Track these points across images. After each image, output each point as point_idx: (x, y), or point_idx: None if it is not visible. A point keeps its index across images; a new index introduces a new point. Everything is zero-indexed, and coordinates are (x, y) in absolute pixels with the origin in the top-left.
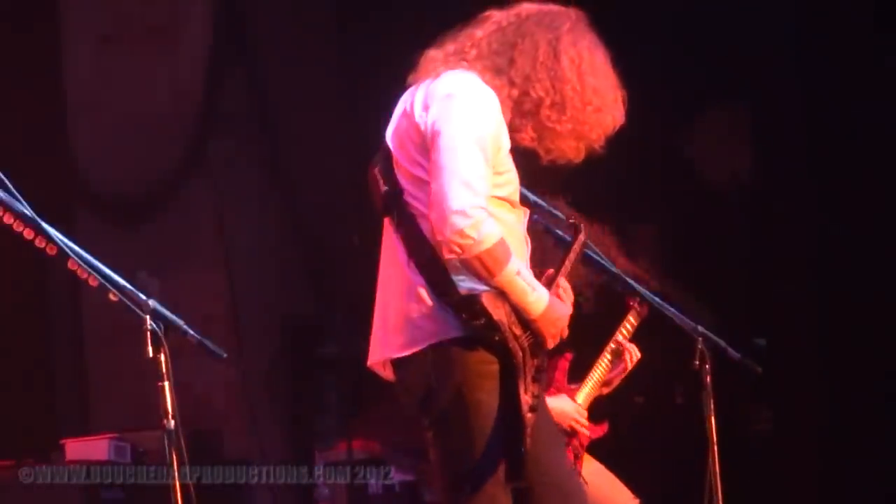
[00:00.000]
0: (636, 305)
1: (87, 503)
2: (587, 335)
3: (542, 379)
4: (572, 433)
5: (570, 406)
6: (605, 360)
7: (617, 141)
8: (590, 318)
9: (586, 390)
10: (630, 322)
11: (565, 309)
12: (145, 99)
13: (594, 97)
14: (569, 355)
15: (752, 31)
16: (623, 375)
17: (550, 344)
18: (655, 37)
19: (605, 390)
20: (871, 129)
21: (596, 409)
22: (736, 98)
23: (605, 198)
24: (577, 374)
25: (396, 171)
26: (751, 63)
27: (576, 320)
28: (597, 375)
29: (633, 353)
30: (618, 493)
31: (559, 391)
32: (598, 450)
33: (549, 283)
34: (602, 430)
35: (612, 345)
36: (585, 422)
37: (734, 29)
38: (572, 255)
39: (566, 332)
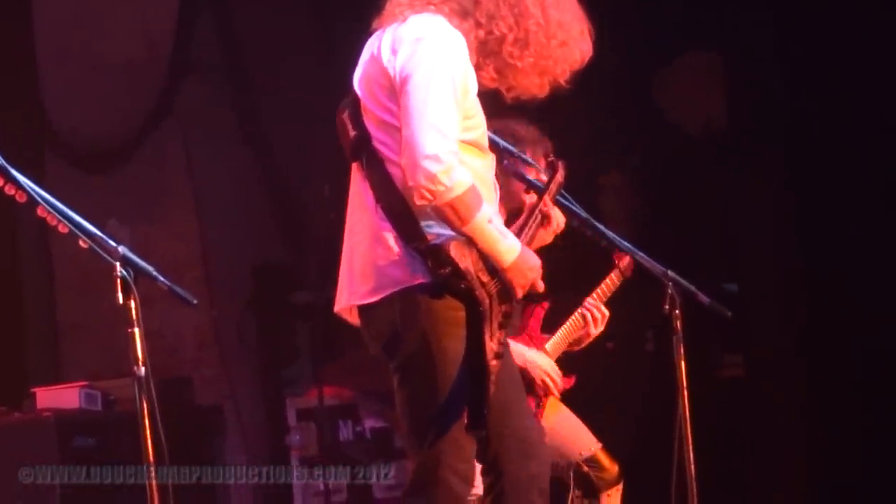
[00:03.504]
0: (621, 264)
1: (60, 449)
2: (567, 283)
3: (509, 326)
4: (541, 388)
5: (545, 361)
6: (578, 316)
7: (590, 88)
8: (571, 267)
9: (556, 341)
10: (612, 280)
11: (536, 259)
12: (115, 46)
13: (559, 31)
14: (545, 304)
15: None
16: (591, 337)
17: (520, 294)
18: None
19: (575, 348)
20: (846, 76)
21: (565, 362)
22: (709, 46)
23: (577, 144)
24: (552, 323)
25: (364, 116)
26: (724, 10)
27: (555, 267)
28: (567, 330)
29: (602, 315)
30: (581, 437)
31: (531, 339)
32: (567, 395)
33: (531, 213)
34: (570, 382)
35: (587, 302)
36: (559, 379)
37: None
38: (549, 195)
39: (540, 285)
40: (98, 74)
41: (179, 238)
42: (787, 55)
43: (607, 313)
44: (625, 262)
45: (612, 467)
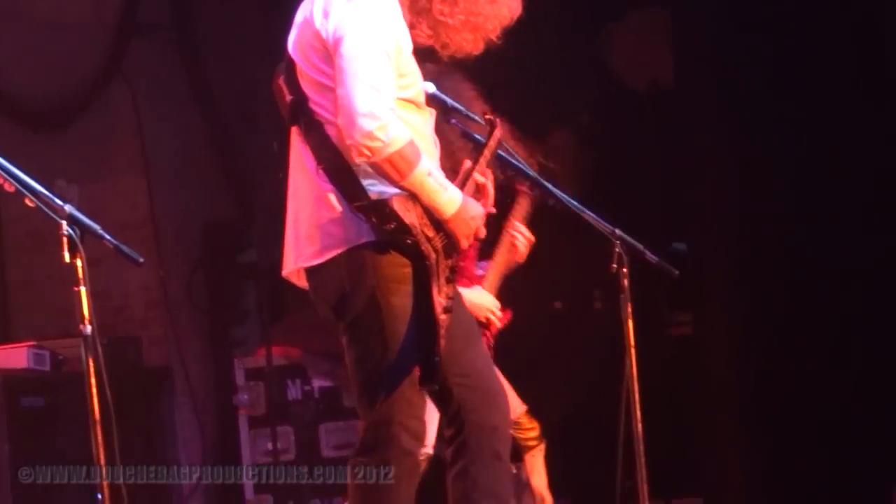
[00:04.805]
0: (525, 189)
1: (8, 409)
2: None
3: (457, 280)
4: (486, 325)
5: (487, 299)
6: (505, 244)
7: (537, 45)
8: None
9: (490, 276)
10: (521, 204)
11: (478, 208)
12: (63, 6)
13: None
14: (475, 243)
15: None
16: (519, 261)
17: (464, 244)
18: None
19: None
20: (794, 34)
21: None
22: (656, 3)
23: (526, 102)
24: (482, 254)
25: (300, 79)
26: None
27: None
28: (498, 261)
29: (527, 239)
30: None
31: (471, 281)
32: (514, 357)
33: (466, 178)
34: (508, 316)
35: (509, 231)
36: (500, 314)
37: None
38: (487, 152)
39: (482, 232)
40: (45, 34)
41: (128, 198)
42: (734, 11)
43: (532, 237)
44: (525, 185)
45: (532, 427)
